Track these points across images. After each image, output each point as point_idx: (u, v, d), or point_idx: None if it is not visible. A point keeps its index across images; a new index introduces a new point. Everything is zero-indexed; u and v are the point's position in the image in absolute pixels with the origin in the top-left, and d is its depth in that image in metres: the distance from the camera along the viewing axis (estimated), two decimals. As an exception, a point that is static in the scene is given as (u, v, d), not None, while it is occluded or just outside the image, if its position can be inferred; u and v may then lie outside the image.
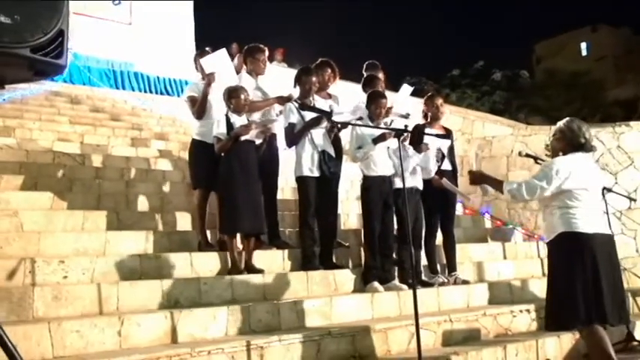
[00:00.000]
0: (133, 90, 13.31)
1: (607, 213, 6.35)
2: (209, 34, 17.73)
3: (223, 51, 5.76)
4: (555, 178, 3.76)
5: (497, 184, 4.10)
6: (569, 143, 3.90)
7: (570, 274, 3.70)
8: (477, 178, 4.23)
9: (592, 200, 3.84)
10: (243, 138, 5.15)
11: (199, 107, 5.69)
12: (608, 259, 3.76)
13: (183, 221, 5.91)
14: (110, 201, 5.96)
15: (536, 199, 3.94)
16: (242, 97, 5.29)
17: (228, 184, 5.10)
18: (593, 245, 3.71)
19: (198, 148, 5.66)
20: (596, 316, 3.68)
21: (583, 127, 3.90)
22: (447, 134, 6.21)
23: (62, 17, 2.20)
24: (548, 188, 3.77)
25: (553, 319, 3.83)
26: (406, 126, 5.37)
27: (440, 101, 6.30)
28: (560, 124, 4.02)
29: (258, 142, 5.39)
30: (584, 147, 3.89)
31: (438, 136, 5.82)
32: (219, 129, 5.20)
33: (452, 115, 9.83)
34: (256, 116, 5.74)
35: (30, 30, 2.12)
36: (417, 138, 5.65)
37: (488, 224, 8.70)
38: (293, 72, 6.17)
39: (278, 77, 8.78)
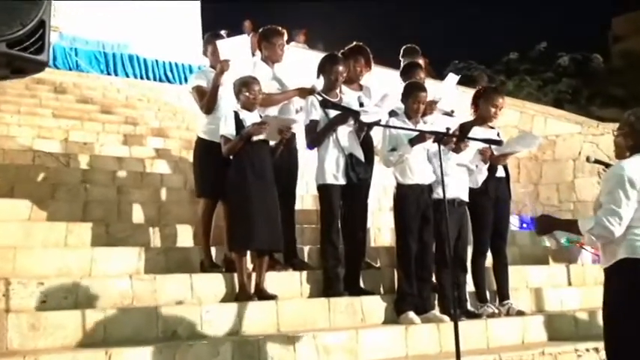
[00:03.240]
0: (128, 76, 13.48)
1: None
2: (219, 10, 17.85)
3: (245, 37, 5.81)
4: (631, 190, 3.60)
5: (572, 226, 3.92)
6: (639, 140, 3.73)
7: (633, 312, 3.59)
8: (547, 227, 4.11)
9: None
10: (255, 138, 5.18)
11: (209, 100, 5.71)
12: None
13: (184, 236, 5.98)
14: (98, 210, 6.06)
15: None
16: (255, 89, 5.32)
17: (239, 192, 5.14)
18: None
19: (205, 148, 5.69)
20: None
21: None
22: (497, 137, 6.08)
23: (43, 6, 2.25)
24: (630, 208, 3.59)
25: None
26: (448, 129, 5.26)
27: (502, 102, 6.09)
28: (629, 114, 3.84)
29: (273, 143, 5.41)
30: None
31: (488, 141, 5.57)
32: (227, 127, 5.23)
33: (507, 109, 9.72)
34: (272, 112, 5.75)
35: (6, 22, 2.17)
36: (459, 138, 5.55)
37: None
38: (316, 55, 6.16)
39: (298, 61, 8.83)
